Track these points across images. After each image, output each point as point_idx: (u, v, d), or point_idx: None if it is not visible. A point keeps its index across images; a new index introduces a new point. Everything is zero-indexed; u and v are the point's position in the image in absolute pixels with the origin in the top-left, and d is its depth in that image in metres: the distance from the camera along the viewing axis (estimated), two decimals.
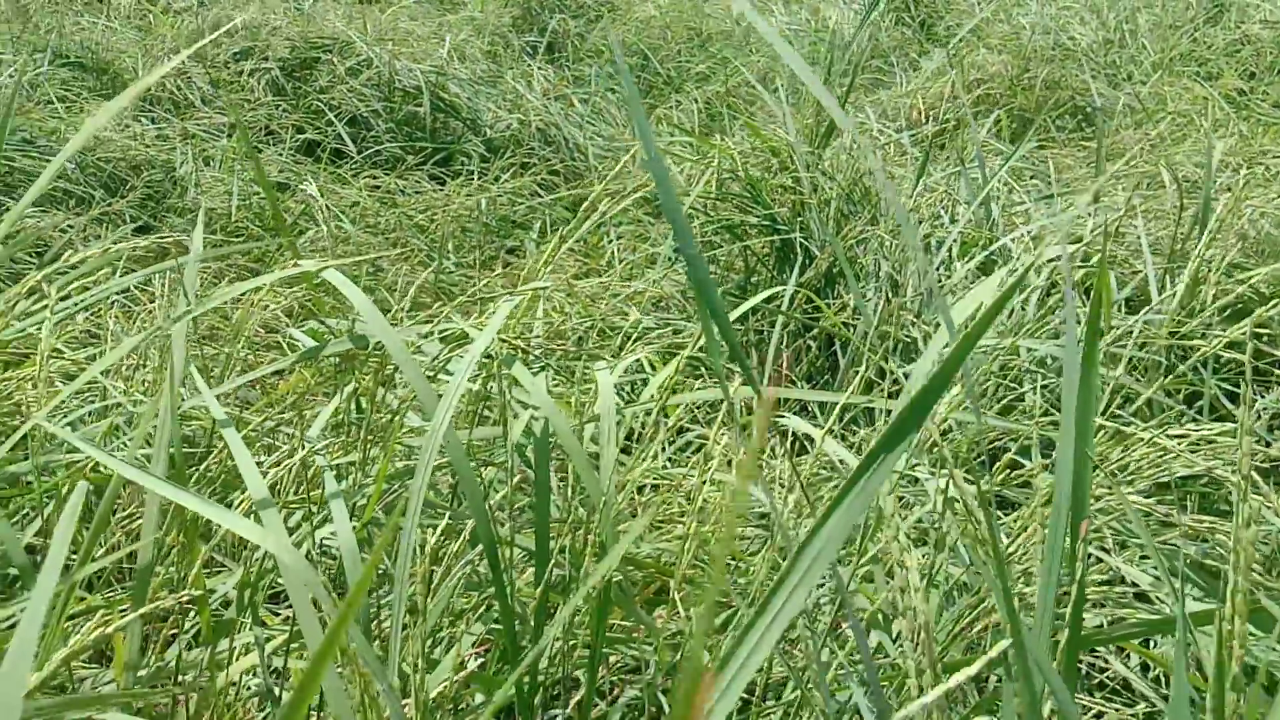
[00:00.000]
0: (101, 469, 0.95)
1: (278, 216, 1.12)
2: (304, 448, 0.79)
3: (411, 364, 0.75)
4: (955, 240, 1.66)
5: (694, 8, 4.47)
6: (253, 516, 0.72)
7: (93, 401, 1.28)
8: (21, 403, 1.20)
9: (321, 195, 2.77)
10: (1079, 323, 0.62)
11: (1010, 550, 0.86)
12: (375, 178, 3.14)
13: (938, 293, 1.43)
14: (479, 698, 0.98)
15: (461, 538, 0.75)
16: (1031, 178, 2.58)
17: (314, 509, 0.82)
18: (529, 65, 3.87)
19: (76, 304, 1.29)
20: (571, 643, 1.00)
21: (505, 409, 0.78)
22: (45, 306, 1.06)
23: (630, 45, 4.16)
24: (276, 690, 0.84)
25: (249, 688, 0.91)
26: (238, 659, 0.85)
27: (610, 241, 2.82)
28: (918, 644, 0.47)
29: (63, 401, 1.06)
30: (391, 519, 0.77)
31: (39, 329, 1.27)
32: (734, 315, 1.13)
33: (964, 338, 0.46)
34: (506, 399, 0.79)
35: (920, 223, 1.77)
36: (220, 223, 2.88)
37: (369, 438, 0.82)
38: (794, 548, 0.42)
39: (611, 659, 1.06)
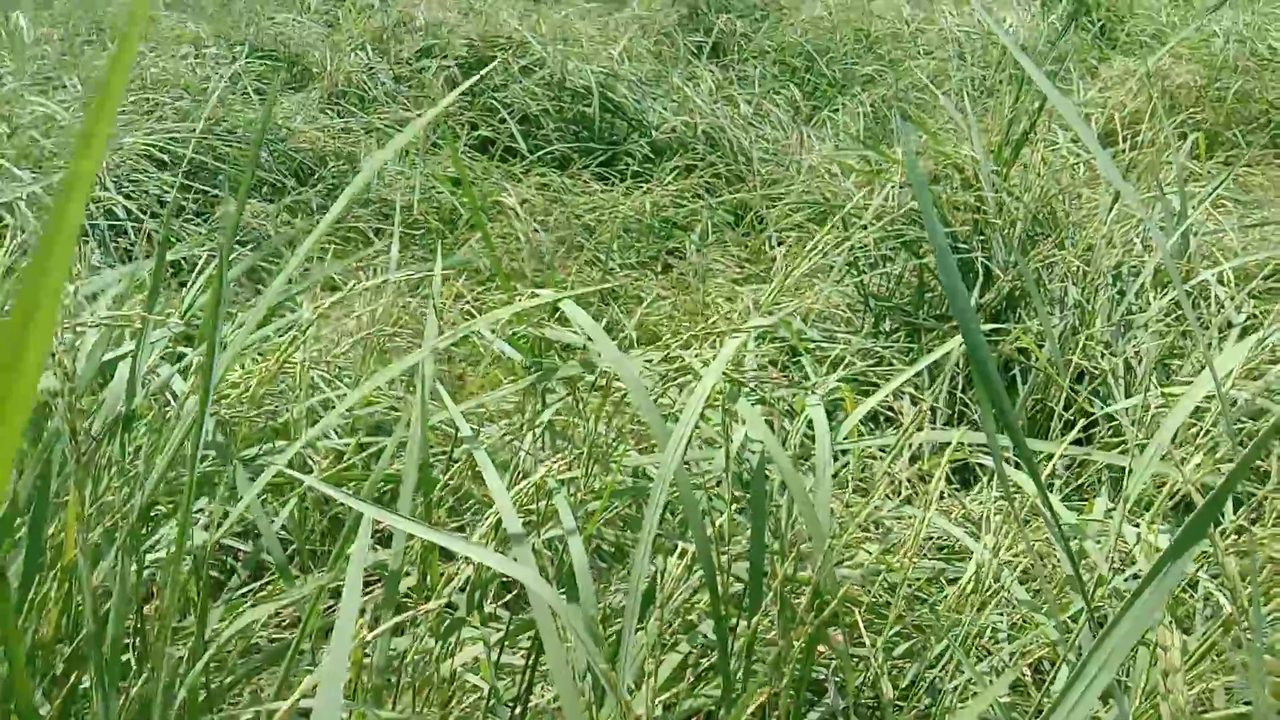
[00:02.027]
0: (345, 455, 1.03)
1: (486, 237, 1.18)
2: (536, 463, 0.84)
3: (645, 396, 0.79)
4: (1151, 271, 1.61)
5: (862, 8, 4.41)
6: (497, 530, 0.77)
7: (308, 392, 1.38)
8: (256, 395, 1.31)
9: (489, 196, 2.87)
10: None
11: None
12: (544, 175, 3.24)
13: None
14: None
15: (683, 563, 0.79)
16: (1217, 205, 2.46)
17: (539, 518, 0.87)
18: (695, 66, 3.90)
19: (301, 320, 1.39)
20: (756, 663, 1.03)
21: (729, 443, 0.82)
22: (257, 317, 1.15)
23: (795, 46, 4.14)
24: (499, 685, 0.90)
25: (464, 681, 0.97)
26: (459, 651, 0.92)
27: (773, 247, 2.83)
28: None
29: (298, 395, 1.15)
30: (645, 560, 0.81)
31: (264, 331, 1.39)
32: (935, 355, 1.13)
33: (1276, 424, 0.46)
34: (729, 433, 0.82)
35: (1111, 249, 1.72)
36: (401, 216, 3.02)
37: (592, 457, 0.87)
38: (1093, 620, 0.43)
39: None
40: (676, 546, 0.75)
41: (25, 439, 0.81)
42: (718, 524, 0.80)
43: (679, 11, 4.37)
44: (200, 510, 0.94)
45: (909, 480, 1.41)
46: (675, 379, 0.89)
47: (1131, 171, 1.92)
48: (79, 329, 0.76)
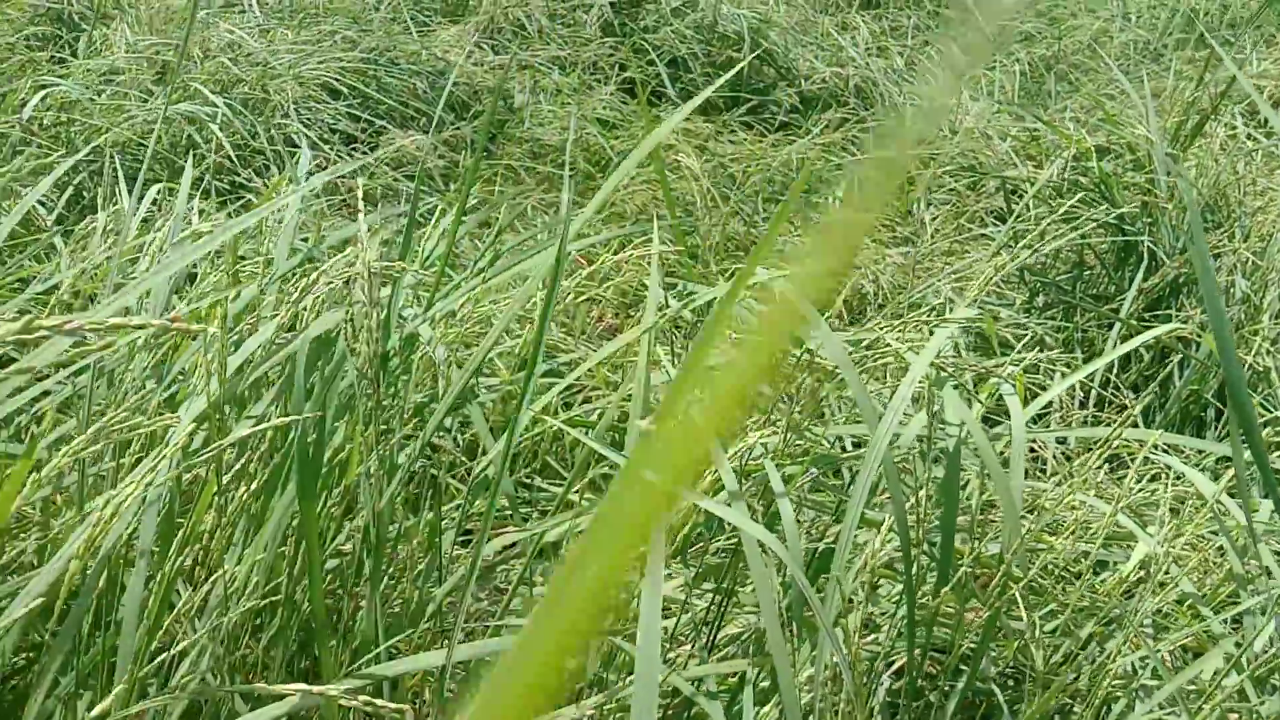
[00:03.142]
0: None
1: (667, 196, 1.25)
2: (744, 435, 0.92)
3: (856, 379, 0.86)
4: None
5: None
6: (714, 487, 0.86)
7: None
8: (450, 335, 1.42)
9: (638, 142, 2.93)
10: None
11: None
12: (690, 121, 3.27)
13: None
14: None
15: (879, 533, 0.87)
16: None
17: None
18: (847, 14, 3.85)
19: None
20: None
21: (931, 427, 0.88)
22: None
23: None
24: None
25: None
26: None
27: (922, 209, 2.83)
28: None
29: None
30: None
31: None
32: (1118, 353, 1.16)
33: None
34: (931, 418, 0.89)
35: None
36: (551, 156, 3.11)
37: (789, 427, 0.94)
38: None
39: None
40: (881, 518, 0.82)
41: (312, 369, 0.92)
42: (916, 498, 0.87)
43: None
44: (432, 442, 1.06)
45: (1055, 458, 1.45)
46: (876, 360, 0.96)
47: None
48: (353, 276, 0.87)
